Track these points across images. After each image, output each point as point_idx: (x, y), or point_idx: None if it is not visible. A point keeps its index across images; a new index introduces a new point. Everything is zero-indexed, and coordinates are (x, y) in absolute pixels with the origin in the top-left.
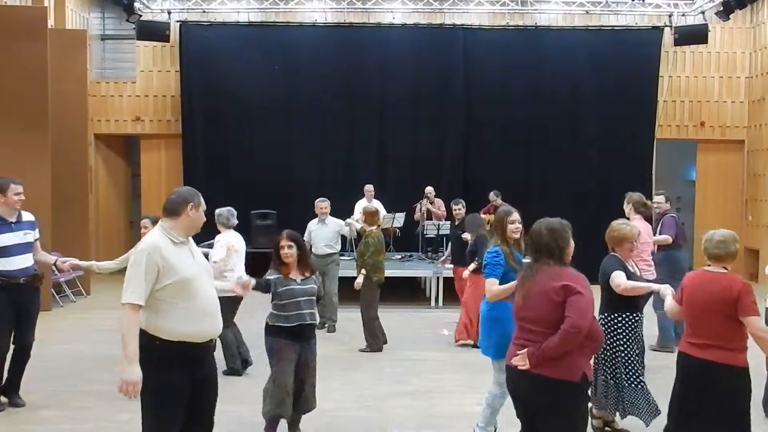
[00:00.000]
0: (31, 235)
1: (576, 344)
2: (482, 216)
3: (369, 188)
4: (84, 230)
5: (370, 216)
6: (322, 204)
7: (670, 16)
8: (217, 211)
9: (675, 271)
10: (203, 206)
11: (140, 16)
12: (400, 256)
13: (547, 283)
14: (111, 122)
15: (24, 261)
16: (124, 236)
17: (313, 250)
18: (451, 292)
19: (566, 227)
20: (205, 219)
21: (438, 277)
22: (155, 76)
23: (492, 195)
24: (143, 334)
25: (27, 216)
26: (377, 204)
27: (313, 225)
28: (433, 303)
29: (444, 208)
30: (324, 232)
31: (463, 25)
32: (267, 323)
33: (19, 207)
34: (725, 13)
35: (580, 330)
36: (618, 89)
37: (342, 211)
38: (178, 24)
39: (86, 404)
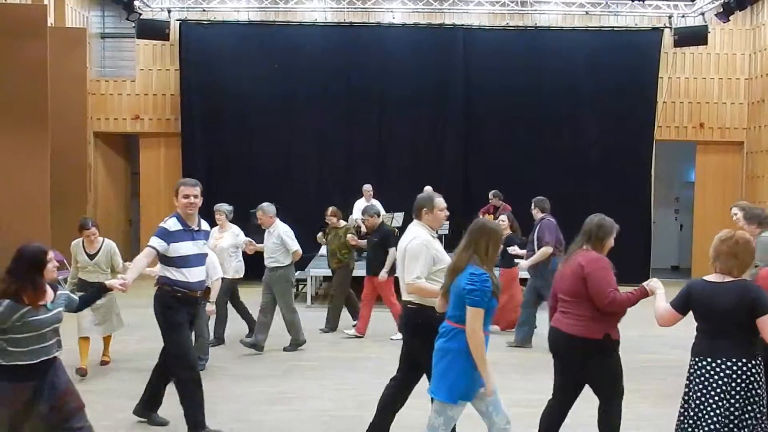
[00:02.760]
0: (207, 246)
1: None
2: (481, 216)
3: (368, 188)
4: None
5: (335, 215)
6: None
7: (670, 17)
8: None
9: (548, 275)
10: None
11: (140, 14)
12: None
13: (577, 262)
14: (110, 121)
15: (201, 273)
16: (124, 234)
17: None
18: None
19: (613, 228)
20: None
21: None
22: (155, 75)
23: (491, 195)
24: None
25: (205, 225)
26: (376, 203)
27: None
28: None
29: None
30: (268, 243)
31: (463, 25)
32: None
33: (192, 212)
34: (725, 14)
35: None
36: (617, 90)
37: (341, 210)
38: (177, 23)
39: (86, 404)
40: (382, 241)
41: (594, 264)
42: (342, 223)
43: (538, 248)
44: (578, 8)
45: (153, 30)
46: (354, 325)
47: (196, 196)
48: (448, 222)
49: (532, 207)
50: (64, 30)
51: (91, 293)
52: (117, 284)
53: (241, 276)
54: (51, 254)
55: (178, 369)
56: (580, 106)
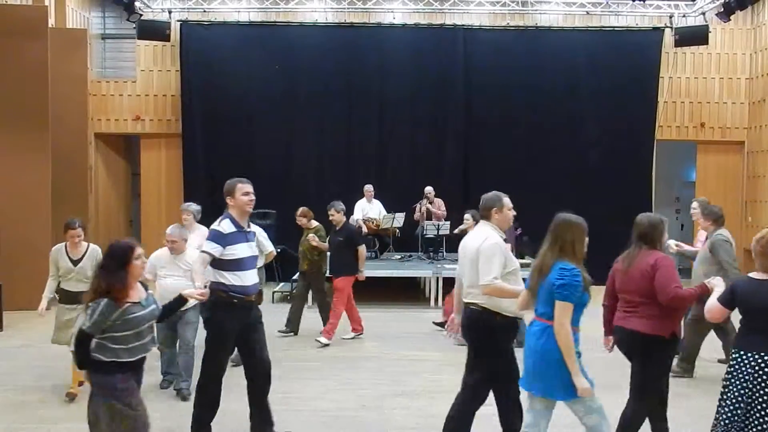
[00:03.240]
0: (256, 247)
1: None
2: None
3: (368, 188)
4: (84, 229)
5: (305, 215)
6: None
7: (670, 17)
8: (195, 206)
9: None
10: (508, 206)
11: (141, 15)
12: (399, 257)
13: (646, 262)
14: (111, 121)
15: (255, 276)
16: (124, 235)
17: None
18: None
19: (663, 223)
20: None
21: (438, 278)
22: (155, 76)
23: None
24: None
25: (254, 226)
26: (377, 204)
27: None
28: (432, 303)
29: (444, 208)
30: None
31: (463, 25)
32: None
33: (250, 209)
34: (726, 14)
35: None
36: (618, 90)
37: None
38: (178, 23)
39: (86, 403)
40: (348, 240)
41: (662, 261)
42: (314, 223)
43: None
44: (579, 8)
45: (154, 31)
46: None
47: (253, 193)
48: (448, 222)
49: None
50: (65, 31)
51: (172, 303)
52: (196, 294)
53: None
54: (139, 250)
55: (208, 380)
56: (581, 106)
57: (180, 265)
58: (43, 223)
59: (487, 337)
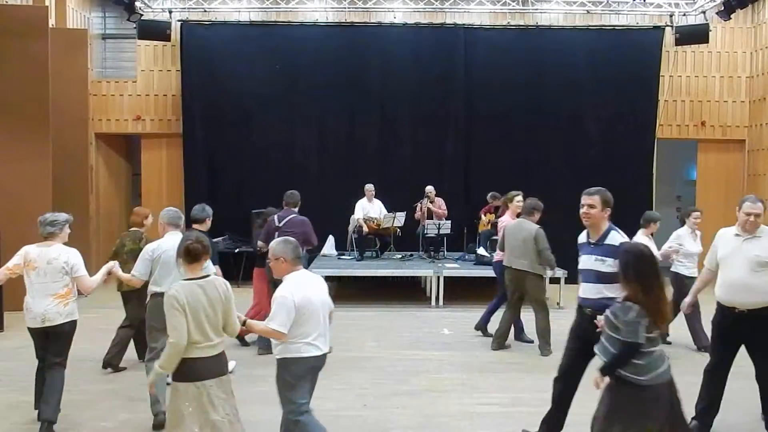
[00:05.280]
0: (607, 263)
1: None
2: (482, 216)
3: (369, 187)
4: (85, 230)
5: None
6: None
7: (671, 15)
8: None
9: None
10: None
11: (141, 15)
12: (400, 256)
13: None
14: (112, 121)
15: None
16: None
17: None
18: (451, 292)
19: None
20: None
21: (438, 277)
22: (156, 76)
23: (489, 197)
24: None
25: (612, 238)
26: (378, 203)
27: None
28: (433, 302)
29: (445, 207)
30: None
31: (464, 24)
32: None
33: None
34: (726, 12)
35: None
36: (619, 89)
37: (342, 211)
38: (179, 23)
39: (86, 404)
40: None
41: None
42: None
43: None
44: (579, 7)
45: (154, 31)
46: None
47: (591, 206)
48: (449, 221)
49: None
50: (66, 31)
51: None
52: None
53: None
54: None
55: None
56: (582, 105)
57: None
58: None
59: None
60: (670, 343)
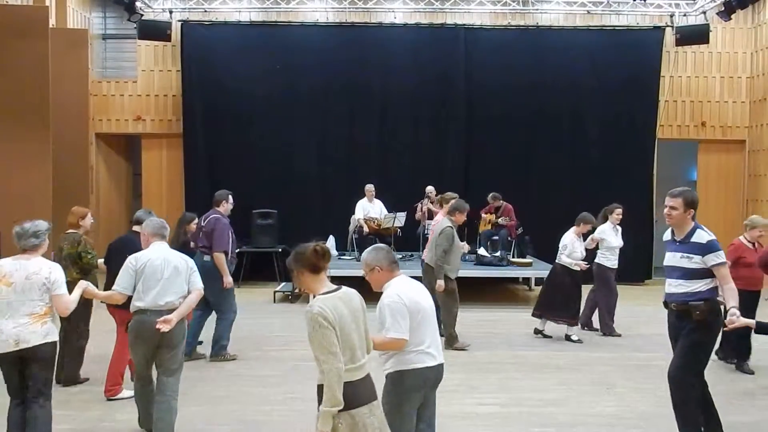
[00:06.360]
0: (694, 260)
1: None
2: (483, 215)
3: (370, 188)
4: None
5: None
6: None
7: (671, 16)
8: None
9: None
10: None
11: (141, 15)
12: (401, 256)
13: None
14: (112, 122)
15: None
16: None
17: None
18: None
19: None
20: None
21: None
22: (156, 76)
23: (490, 198)
24: None
25: (699, 236)
26: (378, 203)
27: None
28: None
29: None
30: None
31: (464, 24)
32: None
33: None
34: (727, 13)
35: None
36: (619, 89)
37: (343, 211)
38: (179, 23)
39: (86, 404)
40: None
41: None
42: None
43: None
44: (580, 7)
45: (154, 31)
46: None
47: (673, 208)
48: None
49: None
50: (66, 31)
51: None
52: None
53: None
54: None
55: None
56: (582, 106)
57: None
58: None
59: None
60: None
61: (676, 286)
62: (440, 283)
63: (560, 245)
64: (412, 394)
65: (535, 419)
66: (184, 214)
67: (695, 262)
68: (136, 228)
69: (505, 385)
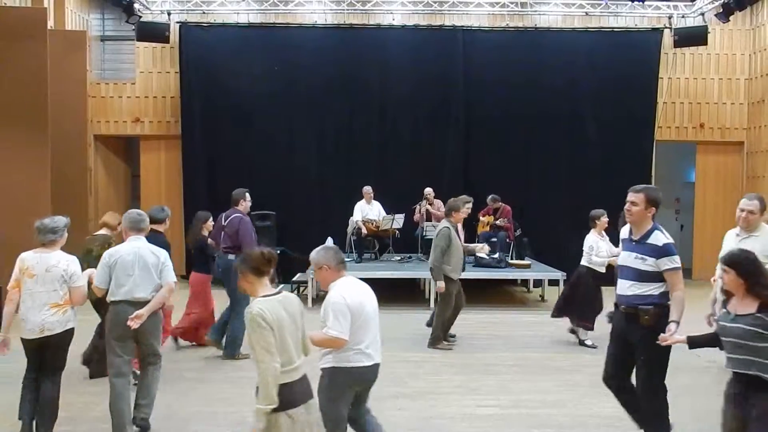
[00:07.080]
0: (647, 262)
1: None
2: (481, 218)
3: (368, 189)
4: (83, 231)
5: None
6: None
7: (669, 17)
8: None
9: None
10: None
11: (140, 17)
12: (399, 258)
13: None
14: (110, 123)
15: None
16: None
17: None
18: None
19: None
20: None
21: None
22: (155, 77)
23: (489, 200)
24: None
25: (656, 238)
26: (376, 205)
27: None
28: (432, 304)
29: (443, 209)
30: None
31: (462, 26)
32: None
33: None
34: (725, 14)
35: None
36: (617, 91)
37: (341, 213)
38: (177, 25)
39: (86, 405)
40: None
41: None
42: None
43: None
44: (578, 9)
45: (153, 32)
46: None
47: (633, 203)
48: None
49: None
50: (64, 33)
51: None
52: None
53: None
54: None
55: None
56: (580, 107)
57: None
58: None
59: None
60: None
61: (627, 288)
62: (440, 284)
63: (585, 248)
64: (346, 390)
65: (535, 421)
66: (198, 213)
67: (648, 264)
68: (154, 227)
69: (505, 386)
